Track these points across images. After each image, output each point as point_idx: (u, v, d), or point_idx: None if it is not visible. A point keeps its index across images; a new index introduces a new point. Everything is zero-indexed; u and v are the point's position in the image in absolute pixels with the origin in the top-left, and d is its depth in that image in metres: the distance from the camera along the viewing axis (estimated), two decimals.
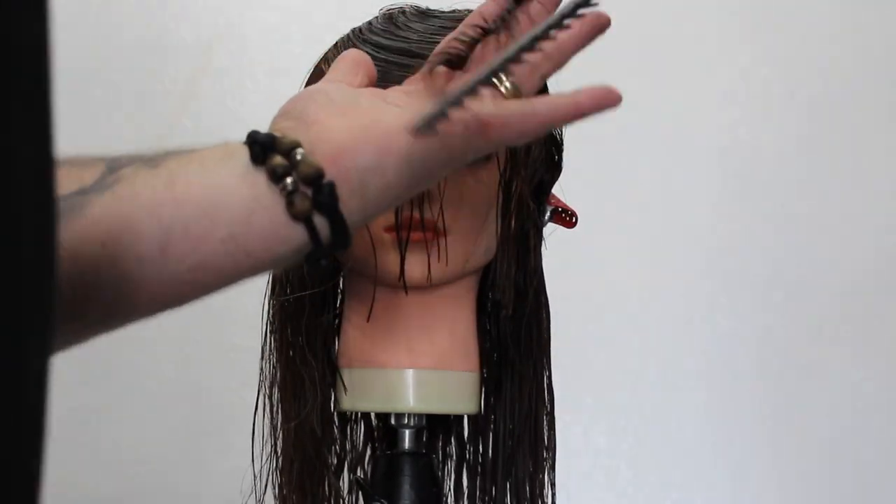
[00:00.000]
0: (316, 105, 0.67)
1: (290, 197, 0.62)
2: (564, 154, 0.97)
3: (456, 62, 0.71)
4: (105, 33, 1.49)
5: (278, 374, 0.95)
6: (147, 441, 1.47)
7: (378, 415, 0.98)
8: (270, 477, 0.96)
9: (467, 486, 0.97)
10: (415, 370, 0.89)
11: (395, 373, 0.89)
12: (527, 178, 0.90)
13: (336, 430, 0.97)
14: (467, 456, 0.97)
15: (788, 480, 1.57)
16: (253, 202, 0.62)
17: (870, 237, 1.61)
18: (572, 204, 0.96)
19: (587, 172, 1.54)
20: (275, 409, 0.95)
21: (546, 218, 0.94)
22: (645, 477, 1.55)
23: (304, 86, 0.93)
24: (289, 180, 0.62)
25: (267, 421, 0.96)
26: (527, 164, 0.89)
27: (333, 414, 0.96)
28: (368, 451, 0.99)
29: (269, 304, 0.95)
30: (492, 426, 0.94)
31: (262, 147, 0.63)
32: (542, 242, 0.95)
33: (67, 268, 0.58)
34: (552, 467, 0.95)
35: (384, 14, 0.93)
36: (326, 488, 0.95)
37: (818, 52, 1.63)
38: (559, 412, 0.97)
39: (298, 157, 0.62)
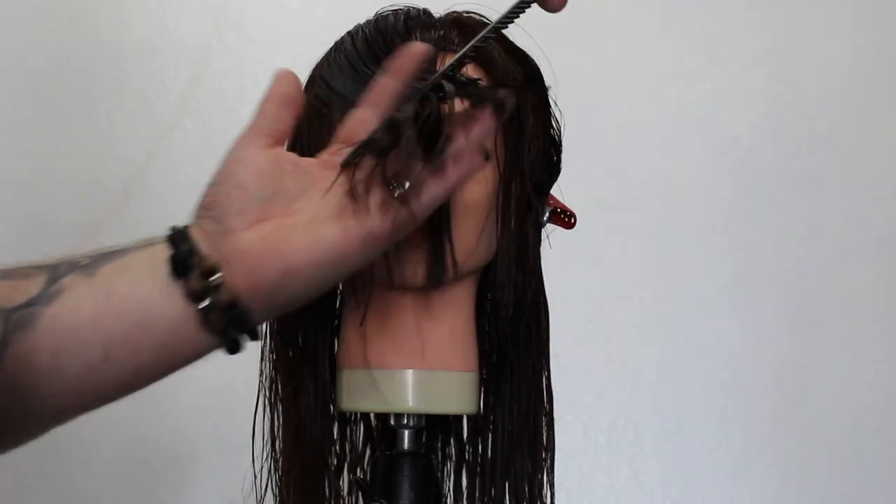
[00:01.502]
0: (233, 205, 0.73)
1: (206, 316, 0.71)
2: (564, 154, 0.97)
3: (378, 153, 0.74)
4: (105, 33, 1.49)
5: (278, 375, 0.95)
6: (147, 441, 1.47)
7: (377, 415, 0.98)
8: (270, 477, 0.97)
9: (466, 487, 0.97)
10: (414, 370, 0.89)
11: (395, 373, 0.89)
12: (526, 178, 0.89)
13: (335, 431, 0.97)
14: (466, 456, 0.97)
15: (788, 480, 1.57)
16: (178, 315, 0.71)
17: (871, 237, 1.61)
18: (571, 204, 0.96)
19: (587, 172, 1.54)
20: (275, 409, 0.95)
21: (545, 218, 0.94)
22: (645, 477, 1.55)
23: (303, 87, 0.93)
24: (206, 303, 0.71)
25: (267, 421, 0.96)
26: (526, 164, 0.89)
27: (333, 414, 0.96)
28: (368, 452, 0.99)
29: None
30: (491, 426, 0.94)
31: (181, 265, 0.71)
32: (542, 243, 0.95)
33: (23, 377, 0.69)
34: (551, 467, 0.95)
35: (374, 21, 0.92)
36: (326, 489, 0.95)
37: (818, 51, 1.63)
38: (559, 412, 0.97)
39: (215, 283, 0.71)
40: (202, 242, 0.72)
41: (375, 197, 0.71)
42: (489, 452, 0.94)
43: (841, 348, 1.60)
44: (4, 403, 0.69)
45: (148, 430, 1.47)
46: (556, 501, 0.97)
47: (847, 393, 1.59)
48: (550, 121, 0.94)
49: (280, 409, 0.95)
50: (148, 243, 0.74)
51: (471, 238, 0.87)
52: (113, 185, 1.50)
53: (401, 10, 0.92)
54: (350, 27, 0.94)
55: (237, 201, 0.73)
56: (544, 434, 0.94)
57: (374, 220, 0.71)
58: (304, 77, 0.95)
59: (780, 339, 1.59)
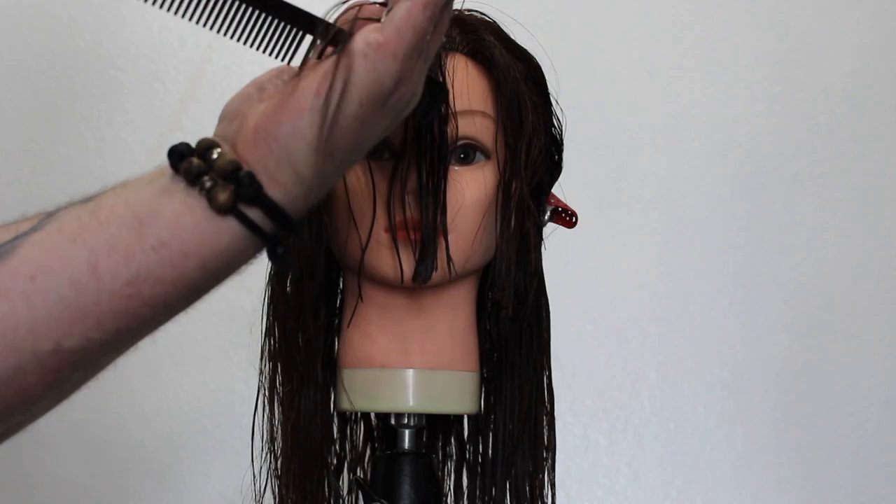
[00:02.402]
0: (246, 100, 0.67)
1: (209, 194, 0.63)
2: (564, 154, 0.97)
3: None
4: (105, 33, 1.49)
5: (278, 375, 0.95)
6: (146, 441, 1.47)
7: (378, 415, 0.98)
8: (270, 477, 0.96)
9: (467, 487, 0.97)
10: (415, 370, 0.89)
11: (396, 373, 0.89)
12: (527, 177, 0.89)
13: (335, 430, 0.97)
14: (467, 456, 0.97)
15: (788, 480, 1.57)
16: (178, 206, 0.63)
17: (871, 237, 1.61)
18: (571, 204, 0.96)
19: (587, 172, 1.54)
20: (274, 409, 0.95)
21: (546, 217, 0.94)
22: (645, 477, 1.55)
23: None
24: (206, 179, 0.63)
25: (266, 421, 0.96)
26: (527, 163, 0.89)
27: (333, 414, 0.96)
28: (368, 451, 0.99)
29: (268, 303, 0.95)
30: (491, 426, 0.94)
31: (179, 155, 0.64)
32: (542, 242, 0.94)
33: (1, 306, 0.61)
34: (552, 467, 0.95)
35: None
36: (326, 488, 0.95)
37: (819, 52, 1.63)
38: (559, 412, 0.97)
39: (215, 155, 0.63)
40: (205, 138, 0.66)
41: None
42: (490, 452, 0.94)
43: (841, 348, 1.59)
44: None
45: (147, 429, 1.47)
46: (557, 502, 0.97)
47: (847, 393, 1.59)
48: (552, 119, 0.94)
49: (280, 408, 0.95)
50: (157, 167, 0.67)
51: (470, 237, 0.87)
52: (113, 185, 1.49)
53: None
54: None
55: (250, 95, 0.68)
56: (545, 434, 0.94)
57: (367, 33, 0.64)
58: None
59: (781, 339, 1.59)
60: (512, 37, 0.93)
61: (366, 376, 0.90)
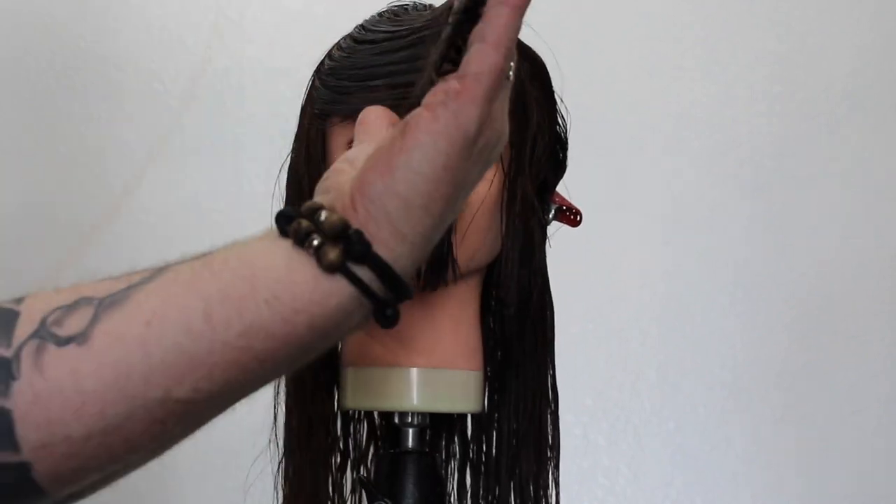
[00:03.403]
0: (339, 172, 0.67)
1: (318, 252, 0.62)
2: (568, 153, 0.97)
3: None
4: (105, 33, 1.49)
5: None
6: None
7: (381, 413, 0.98)
8: (274, 476, 0.96)
9: (470, 486, 0.97)
10: (419, 369, 0.88)
11: (400, 371, 0.88)
12: (531, 176, 0.89)
13: (339, 429, 0.96)
14: (471, 455, 0.97)
15: (787, 480, 1.57)
16: (289, 262, 0.62)
17: (871, 237, 1.61)
18: (573, 204, 0.96)
19: (587, 171, 1.54)
20: (277, 407, 0.95)
21: (550, 216, 0.94)
22: (644, 477, 1.55)
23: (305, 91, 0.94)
24: (314, 238, 0.62)
25: (269, 420, 0.96)
26: (532, 161, 0.89)
27: (337, 413, 0.95)
28: (371, 450, 0.99)
29: None
30: (495, 425, 0.94)
31: (286, 218, 0.64)
32: (547, 241, 0.94)
33: (116, 352, 0.61)
34: (556, 466, 0.94)
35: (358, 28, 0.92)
36: (330, 487, 0.95)
37: (819, 52, 1.63)
38: (559, 412, 0.97)
39: (322, 217, 0.63)
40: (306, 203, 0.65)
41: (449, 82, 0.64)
42: (494, 451, 0.94)
43: (841, 348, 1.59)
44: (98, 385, 0.62)
45: None
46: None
47: (847, 393, 1.59)
48: (556, 118, 0.94)
49: (283, 407, 0.95)
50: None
51: (475, 236, 0.87)
52: (113, 185, 1.49)
53: (404, 6, 0.92)
54: (350, 28, 0.94)
55: (344, 170, 0.67)
56: (549, 432, 0.94)
57: (456, 85, 0.63)
58: (303, 77, 0.95)
59: (781, 339, 1.59)
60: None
61: (370, 375, 0.89)
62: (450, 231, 0.85)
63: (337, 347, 0.95)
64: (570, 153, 0.96)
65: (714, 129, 1.60)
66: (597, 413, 1.56)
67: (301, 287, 0.62)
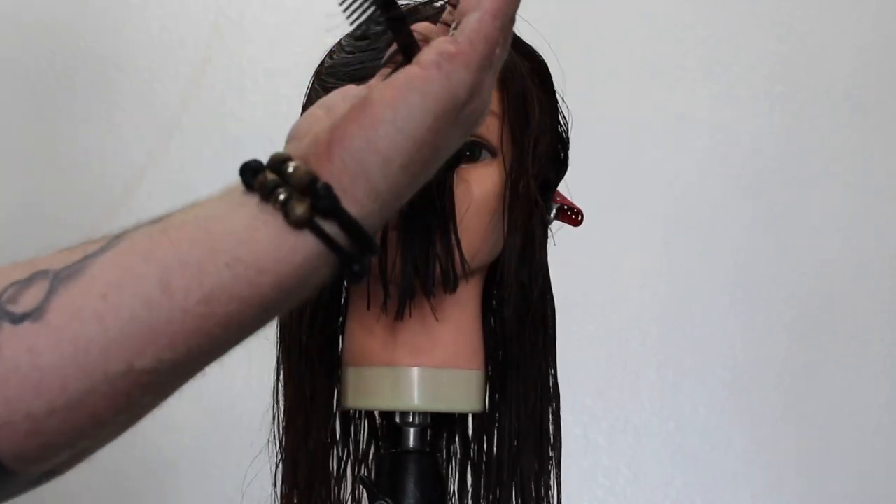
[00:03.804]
0: (314, 119, 0.66)
1: (285, 207, 0.61)
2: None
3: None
4: (105, 33, 1.49)
5: (282, 373, 0.95)
6: (147, 442, 1.46)
7: (382, 413, 0.97)
8: (273, 475, 0.96)
9: (472, 485, 0.97)
10: (420, 368, 0.88)
11: (401, 371, 0.88)
12: (533, 175, 0.89)
13: (339, 429, 0.96)
14: (472, 454, 0.97)
15: (787, 480, 1.57)
16: (252, 221, 0.61)
17: (871, 237, 1.61)
18: (574, 203, 0.96)
19: (588, 172, 1.54)
20: (277, 407, 0.95)
21: (552, 215, 0.94)
22: (644, 477, 1.55)
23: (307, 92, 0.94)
24: (280, 192, 0.61)
25: (270, 420, 0.96)
26: (534, 160, 0.89)
27: (337, 412, 0.95)
28: (372, 450, 0.98)
29: None
30: (497, 424, 0.94)
31: (252, 171, 0.62)
32: (548, 240, 0.94)
33: (73, 328, 0.59)
34: (558, 465, 0.94)
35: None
36: (331, 487, 0.95)
37: (820, 52, 1.63)
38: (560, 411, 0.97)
39: (290, 169, 0.62)
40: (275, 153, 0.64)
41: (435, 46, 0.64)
42: (495, 451, 0.94)
43: (841, 348, 1.60)
44: (57, 361, 0.60)
45: (147, 429, 1.46)
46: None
47: (847, 393, 1.59)
48: (558, 117, 0.94)
49: (284, 407, 0.95)
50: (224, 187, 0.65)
51: (477, 236, 0.87)
52: (113, 185, 1.49)
53: (407, 5, 0.92)
54: (350, 28, 0.93)
55: (318, 115, 0.67)
56: (551, 432, 0.94)
57: (440, 43, 0.64)
58: (303, 77, 0.95)
59: (781, 339, 1.59)
60: (518, 34, 0.93)
61: (371, 374, 0.89)
62: (454, 234, 0.85)
63: (338, 347, 0.95)
64: (571, 152, 0.96)
65: (715, 130, 1.60)
66: (597, 413, 1.56)
67: (265, 245, 0.61)
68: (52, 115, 1.48)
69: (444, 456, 0.97)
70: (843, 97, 1.63)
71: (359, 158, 0.62)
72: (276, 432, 0.95)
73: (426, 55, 0.63)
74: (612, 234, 1.56)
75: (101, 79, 1.48)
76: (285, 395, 0.95)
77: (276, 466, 0.95)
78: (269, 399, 0.96)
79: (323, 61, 0.93)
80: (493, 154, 0.88)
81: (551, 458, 0.93)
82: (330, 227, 0.61)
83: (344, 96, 0.69)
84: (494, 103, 0.87)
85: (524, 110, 0.88)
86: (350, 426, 0.98)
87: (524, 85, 0.89)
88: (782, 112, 1.61)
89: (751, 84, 1.61)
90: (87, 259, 0.61)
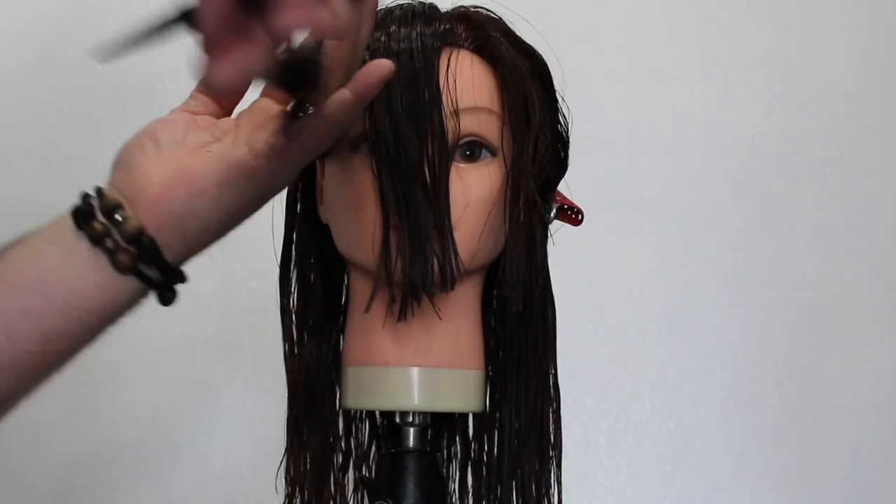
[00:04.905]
0: (143, 154, 0.73)
1: (112, 256, 0.70)
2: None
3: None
4: (106, 31, 1.48)
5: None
6: (147, 440, 1.46)
7: (382, 413, 0.98)
8: (277, 476, 0.96)
9: (472, 485, 0.97)
10: (420, 368, 0.88)
11: (401, 371, 0.88)
12: (533, 174, 0.88)
13: (340, 429, 0.96)
14: (472, 454, 0.97)
15: (788, 480, 1.57)
16: (81, 269, 0.70)
17: (871, 237, 1.61)
18: (574, 202, 0.95)
19: (587, 172, 1.54)
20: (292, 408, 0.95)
21: (552, 215, 0.93)
22: (645, 477, 1.55)
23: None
24: (108, 241, 0.70)
25: (270, 419, 0.96)
26: (534, 160, 0.88)
27: (338, 412, 0.95)
28: (373, 450, 0.98)
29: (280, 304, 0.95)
30: (497, 424, 0.94)
31: (83, 215, 0.71)
32: (549, 239, 0.94)
33: None
34: (558, 465, 0.94)
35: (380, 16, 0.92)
36: (332, 487, 0.95)
37: (819, 52, 1.63)
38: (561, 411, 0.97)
39: (119, 218, 0.70)
40: (108, 192, 0.72)
41: (280, 116, 0.72)
42: (495, 450, 0.94)
43: (841, 348, 1.59)
44: None
45: (148, 428, 1.46)
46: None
47: (847, 393, 1.59)
48: (558, 116, 0.94)
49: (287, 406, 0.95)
50: (57, 217, 0.73)
51: (477, 235, 0.87)
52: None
53: (407, 5, 0.91)
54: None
55: (147, 148, 0.73)
56: (551, 431, 0.94)
57: (274, 136, 0.71)
58: None
59: (781, 339, 1.59)
60: (518, 33, 0.93)
61: (371, 374, 0.89)
62: (449, 234, 0.85)
63: (339, 347, 0.95)
64: (570, 153, 0.96)
65: (714, 129, 1.60)
66: (597, 413, 1.55)
67: (93, 291, 0.70)
68: (52, 115, 1.47)
69: (445, 456, 0.97)
70: (842, 96, 1.63)
71: (180, 220, 0.71)
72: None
73: (260, 139, 0.71)
74: (611, 234, 1.56)
75: (101, 78, 1.48)
76: (287, 396, 0.94)
77: (278, 467, 0.95)
78: (273, 401, 0.96)
79: None
80: (493, 153, 0.88)
81: (552, 458, 0.93)
82: (149, 271, 0.71)
83: (171, 124, 0.76)
84: (495, 102, 0.88)
85: (524, 110, 0.88)
86: (351, 426, 0.98)
87: (524, 84, 0.89)
88: (781, 112, 1.61)
89: (749, 84, 1.61)
90: None
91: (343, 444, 0.96)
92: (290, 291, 0.95)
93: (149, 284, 0.72)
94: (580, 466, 1.54)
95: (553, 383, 0.94)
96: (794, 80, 1.62)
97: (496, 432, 0.94)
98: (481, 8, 0.92)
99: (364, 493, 0.95)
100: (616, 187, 1.57)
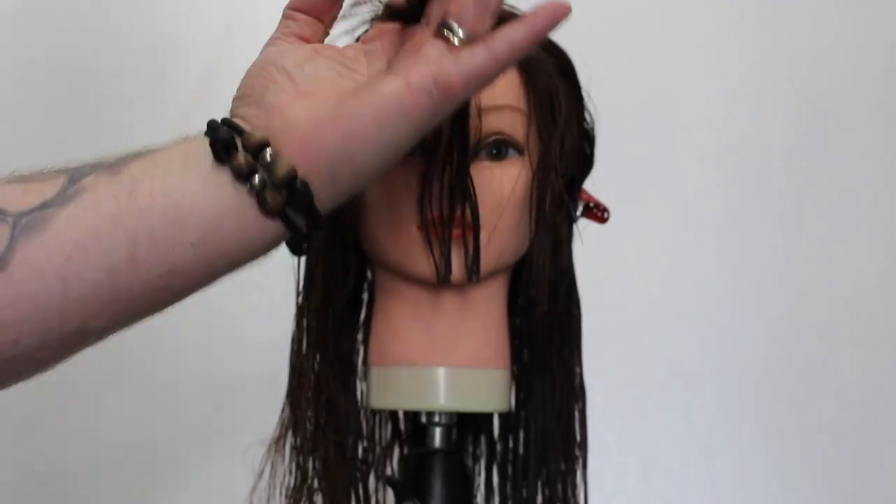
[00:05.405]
0: (276, 87, 0.66)
1: (260, 196, 0.62)
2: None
3: (406, 15, 0.70)
4: (115, 33, 1.48)
5: (304, 372, 0.94)
6: (159, 440, 1.46)
7: (407, 413, 0.97)
8: (296, 474, 0.95)
9: (498, 485, 0.96)
10: (446, 368, 0.87)
11: (427, 371, 0.88)
12: (560, 172, 0.88)
13: (364, 428, 0.96)
14: (498, 454, 0.96)
15: (794, 478, 1.57)
16: (222, 204, 0.62)
17: (873, 236, 1.61)
18: (600, 200, 0.95)
19: (593, 172, 1.53)
20: (303, 408, 0.94)
21: (578, 213, 0.93)
22: (654, 475, 1.55)
23: None
24: (256, 179, 0.62)
25: (290, 420, 0.95)
26: (560, 158, 0.88)
27: (362, 412, 0.95)
28: (396, 449, 0.98)
29: (299, 301, 0.94)
30: (523, 424, 0.93)
31: (224, 144, 0.63)
32: (574, 237, 0.94)
33: (33, 285, 0.60)
34: (584, 465, 0.94)
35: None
36: (358, 488, 0.94)
37: (822, 51, 1.63)
38: (587, 410, 0.97)
39: (269, 157, 0.62)
40: (245, 124, 0.64)
41: (437, 44, 0.64)
42: (521, 450, 0.93)
43: (845, 348, 1.59)
44: (15, 316, 0.60)
45: (155, 426, 1.46)
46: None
47: (847, 393, 1.59)
48: (584, 114, 0.93)
49: (309, 407, 0.94)
50: (182, 140, 0.65)
51: (503, 234, 0.86)
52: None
53: None
54: (360, 29, 0.93)
55: (278, 80, 0.66)
56: (577, 431, 0.93)
57: (441, 63, 0.63)
58: None
59: (788, 338, 1.59)
60: None
61: (396, 374, 0.88)
62: (479, 228, 0.85)
63: (364, 347, 0.94)
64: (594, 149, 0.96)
65: (718, 128, 1.60)
66: (606, 411, 1.55)
67: (230, 232, 0.63)
68: (60, 119, 1.47)
69: (470, 455, 0.97)
70: (846, 95, 1.63)
71: (332, 165, 0.63)
72: (305, 433, 0.94)
73: (418, 71, 0.63)
74: (619, 233, 1.55)
75: (112, 79, 1.48)
76: (309, 397, 0.94)
77: (287, 466, 0.95)
78: (278, 399, 0.96)
79: None
80: (520, 152, 0.87)
81: (578, 458, 0.93)
82: (297, 218, 0.64)
83: (309, 57, 0.68)
84: (520, 100, 0.87)
85: (550, 108, 0.88)
86: (375, 426, 0.97)
87: (550, 82, 0.88)
88: (785, 110, 1.61)
89: (754, 82, 1.61)
90: (46, 208, 0.61)
91: (365, 443, 0.96)
92: (309, 292, 0.94)
93: (294, 232, 0.64)
94: (590, 463, 1.54)
95: (579, 383, 0.94)
96: (798, 78, 1.62)
97: (522, 432, 0.93)
98: (506, 5, 0.92)
99: (387, 492, 0.95)
100: (622, 187, 1.56)
